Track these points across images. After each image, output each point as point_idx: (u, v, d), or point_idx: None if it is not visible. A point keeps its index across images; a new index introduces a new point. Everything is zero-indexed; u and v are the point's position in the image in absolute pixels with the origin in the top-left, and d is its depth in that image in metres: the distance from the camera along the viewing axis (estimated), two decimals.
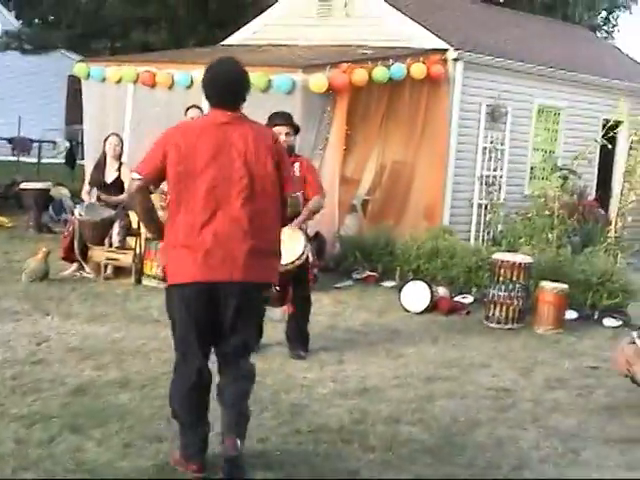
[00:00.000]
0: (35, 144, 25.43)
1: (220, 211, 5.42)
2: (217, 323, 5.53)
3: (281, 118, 8.59)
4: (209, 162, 5.47)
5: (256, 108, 12.95)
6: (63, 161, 23.96)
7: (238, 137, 5.56)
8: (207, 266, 5.38)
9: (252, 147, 5.55)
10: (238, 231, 5.43)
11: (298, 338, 8.65)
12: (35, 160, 23.93)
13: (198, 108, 12.50)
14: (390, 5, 15.80)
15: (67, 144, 24.86)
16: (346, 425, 6.70)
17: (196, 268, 5.39)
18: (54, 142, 26.86)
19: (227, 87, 5.68)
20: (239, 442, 5.44)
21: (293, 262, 8.16)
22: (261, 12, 17.92)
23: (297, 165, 8.44)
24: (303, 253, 8.28)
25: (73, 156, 23.44)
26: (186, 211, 5.46)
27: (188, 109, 12.30)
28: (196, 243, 5.39)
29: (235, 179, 5.47)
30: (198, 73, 13.80)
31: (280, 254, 5.89)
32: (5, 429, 6.06)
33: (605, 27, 37.02)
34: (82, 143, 19.67)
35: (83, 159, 18.24)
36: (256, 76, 13.02)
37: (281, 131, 8.35)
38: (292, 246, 8.19)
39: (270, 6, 17.97)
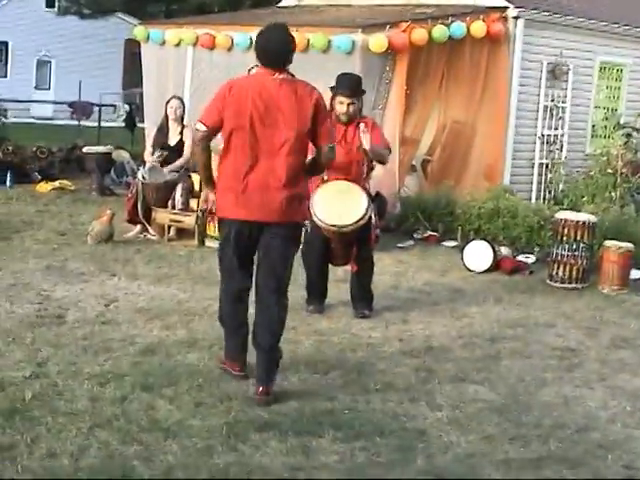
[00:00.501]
0: (95, 108, 25.58)
1: (263, 161, 6.22)
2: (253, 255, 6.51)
3: (346, 88, 8.59)
4: (257, 117, 6.18)
5: (316, 68, 13.13)
6: (123, 125, 24.07)
7: (284, 95, 6.26)
8: (246, 207, 6.24)
9: (295, 105, 6.24)
10: (276, 181, 6.22)
11: (362, 297, 8.70)
12: (95, 124, 24.08)
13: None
14: None
15: (127, 107, 24.96)
16: (413, 384, 6.74)
17: (238, 208, 6.28)
18: (114, 106, 26.99)
19: (275, 51, 6.43)
20: (269, 387, 6.22)
21: (357, 222, 8.19)
22: None
23: (362, 125, 8.41)
24: (366, 213, 8.28)
25: (133, 119, 23.55)
26: (234, 158, 6.28)
27: (250, 70, 12.31)
28: (239, 187, 6.24)
29: (279, 134, 6.20)
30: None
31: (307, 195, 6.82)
32: (80, 387, 6.17)
33: None
34: (141, 106, 19.74)
35: (142, 122, 18.34)
36: (315, 37, 13.04)
37: (343, 101, 8.47)
38: (355, 206, 8.23)
39: None
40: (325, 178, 8.26)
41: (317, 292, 8.74)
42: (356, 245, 8.57)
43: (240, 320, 6.63)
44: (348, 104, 8.47)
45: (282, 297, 6.46)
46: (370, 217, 8.48)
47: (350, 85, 8.62)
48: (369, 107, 12.98)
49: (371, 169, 8.82)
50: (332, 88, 8.51)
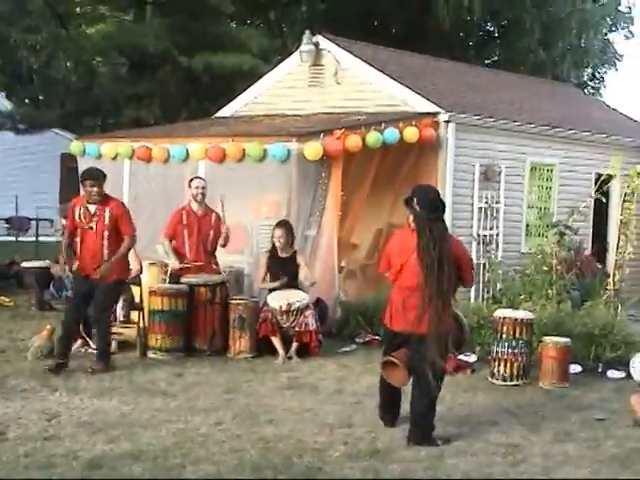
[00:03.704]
0: (32, 222, 25.51)
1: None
2: None
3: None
4: None
5: (252, 177, 13.28)
6: (61, 239, 24.01)
7: None
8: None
9: None
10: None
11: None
12: (33, 239, 24.01)
13: (200, 178, 12.71)
14: (380, 71, 16.03)
15: (64, 221, 24.92)
16: None
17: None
18: (51, 220, 26.95)
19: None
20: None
21: None
22: (252, 84, 18.13)
23: None
24: None
25: None
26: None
27: (191, 180, 12.50)
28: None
29: None
30: (193, 146, 14.08)
31: None
32: None
33: (592, 83, 37.50)
34: None
35: None
36: (251, 146, 13.25)
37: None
38: None
39: (260, 77, 18.21)
40: None
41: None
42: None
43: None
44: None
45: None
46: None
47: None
48: (306, 215, 13.20)
49: None
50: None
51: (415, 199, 8.19)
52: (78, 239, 10.43)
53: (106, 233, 10.43)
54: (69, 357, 10.57)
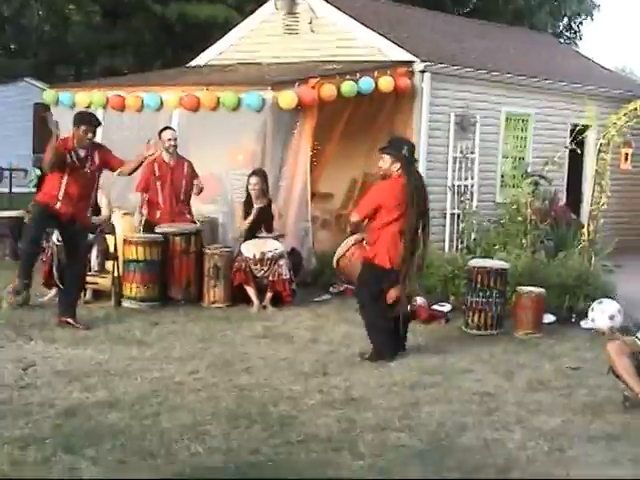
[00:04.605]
0: (6, 173, 25.34)
1: None
2: None
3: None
4: None
5: (227, 125, 13.20)
6: (34, 190, 23.87)
7: None
8: None
9: None
10: None
11: None
12: (6, 189, 23.86)
13: (171, 129, 12.64)
14: (355, 20, 15.92)
15: (38, 172, 24.77)
16: (335, 434, 6.79)
17: None
18: (25, 170, 26.80)
19: None
20: None
21: None
22: (227, 32, 18.00)
23: None
24: None
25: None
26: None
27: (162, 131, 12.41)
28: None
29: None
30: (167, 95, 13.98)
31: None
32: (0, 451, 6.11)
33: (567, 34, 37.44)
34: None
35: None
36: (225, 95, 13.17)
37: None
38: None
39: (235, 26, 18.08)
40: None
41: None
42: None
43: None
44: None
45: None
46: None
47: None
48: (279, 164, 13.17)
49: None
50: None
51: (405, 147, 9.28)
52: (64, 181, 10.22)
53: (97, 174, 10.41)
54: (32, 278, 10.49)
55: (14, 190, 23.70)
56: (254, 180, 12.02)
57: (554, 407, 7.76)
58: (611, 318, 8.08)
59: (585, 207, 16.32)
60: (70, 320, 10.18)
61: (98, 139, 14.40)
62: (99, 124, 10.54)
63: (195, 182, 12.15)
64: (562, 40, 34.27)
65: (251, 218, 11.90)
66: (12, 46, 32.97)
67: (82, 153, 10.21)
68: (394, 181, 9.15)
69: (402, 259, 9.10)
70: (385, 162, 9.21)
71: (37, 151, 36.77)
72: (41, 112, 21.61)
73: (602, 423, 7.36)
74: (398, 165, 9.13)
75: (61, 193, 10.16)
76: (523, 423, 7.26)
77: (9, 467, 5.83)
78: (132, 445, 6.33)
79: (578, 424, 7.32)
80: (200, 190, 12.22)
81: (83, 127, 10.14)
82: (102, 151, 10.51)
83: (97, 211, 11.74)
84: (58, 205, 10.18)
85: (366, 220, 9.38)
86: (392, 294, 9.17)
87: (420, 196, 9.19)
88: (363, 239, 9.68)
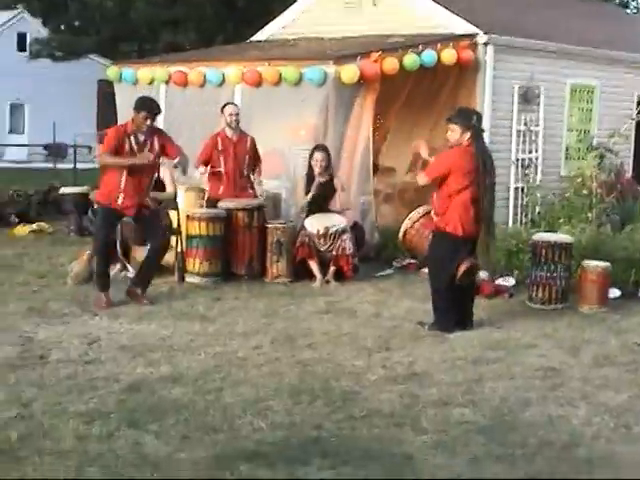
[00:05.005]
0: (70, 149, 25.60)
1: None
2: None
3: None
4: None
5: (289, 100, 13.20)
6: (98, 165, 24.10)
7: None
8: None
9: None
10: None
11: None
12: (71, 165, 24.10)
13: (233, 104, 12.65)
14: None
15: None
16: (397, 409, 6.77)
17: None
18: (89, 147, 27.06)
19: None
20: None
21: None
22: (288, 6, 17.95)
23: None
24: None
25: None
26: None
27: (224, 107, 12.44)
28: None
29: None
30: (229, 70, 13.98)
31: None
32: (65, 426, 6.17)
33: (634, 3, 36.89)
34: None
35: None
36: (287, 70, 13.15)
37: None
38: None
39: (297, 0, 18.03)
40: None
41: None
42: None
43: None
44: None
45: None
46: None
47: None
48: (341, 138, 13.13)
49: None
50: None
51: (475, 116, 9.36)
52: (124, 171, 10.24)
53: (157, 161, 10.45)
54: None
55: (78, 166, 23.91)
56: (320, 156, 11.98)
57: (620, 383, 7.66)
58: None
59: None
60: (139, 292, 10.27)
61: (161, 115, 14.58)
62: (160, 111, 10.56)
63: (257, 170, 12.28)
64: (629, 11, 33.74)
65: (312, 193, 11.87)
66: (76, 23, 33.16)
67: (142, 137, 10.24)
68: (465, 149, 9.15)
69: (474, 227, 9.19)
70: (455, 132, 9.18)
71: (101, 127, 37.19)
72: (105, 88, 21.77)
73: None
74: (468, 134, 9.13)
75: (122, 184, 10.18)
76: (588, 399, 7.18)
77: (74, 441, 5.89)
78: (195, 420, 6.36)
79: None
80: (260, 173, 12.32)
81: (143, 113, 10.17)
82: (162, 136, 10.54)
83: (161, 187, 11.79)
84: (120, 200, 10.20)
85: (433, 186, 9.48)
86: (465, 263, 9.16)
87: (489, 167, 9.25)
88: (430, 211, 9.63)
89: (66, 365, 7.66)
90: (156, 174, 10.83)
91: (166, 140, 10.53)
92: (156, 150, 10.33)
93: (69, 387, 7.06)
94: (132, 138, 10.18)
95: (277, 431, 6.21)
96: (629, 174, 16.88)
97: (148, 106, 10.31)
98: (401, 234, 12.16)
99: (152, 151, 10.28)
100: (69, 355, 8.00)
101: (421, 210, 11.93)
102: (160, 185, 11.78)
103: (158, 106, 10.59)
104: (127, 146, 10.14)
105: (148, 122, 10.17)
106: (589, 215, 12.93)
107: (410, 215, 12.13)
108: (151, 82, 15.32)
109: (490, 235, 9.42)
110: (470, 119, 9.25)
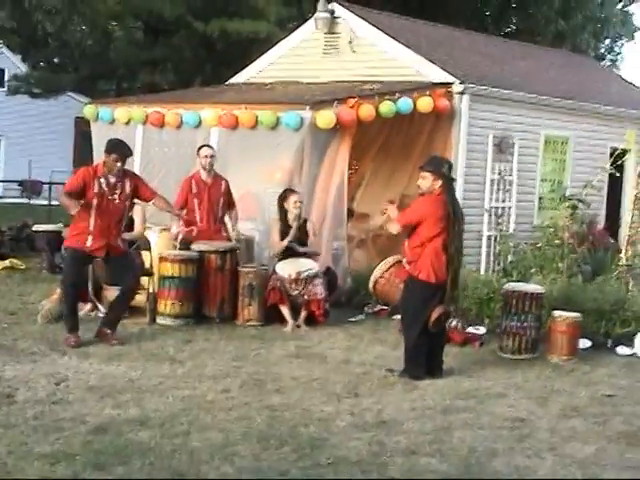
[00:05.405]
0: (45, 186, 25.57)
1: None
2: None
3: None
4: None
5: (265, 144, 13.24)
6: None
7: None
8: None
9: None
10: None
11: None
12: (46, 202, 24.05)
13: (209, 147, 12.68)
14: (395, 40, 15.92)
15: None
16: (365, 457, 6.75)
17: None
18: (65, 184, 27.03)
19: None
20: None
21: None
22: (267, 50, 18.06)
23: None
24: None
25: None
26: None
27: (200, 149, 12.47)
28: None
29: None
30: (206, 112, 14.02)
31: None
32: (30, 467, 6.11)
33: (610, 56, 37.29)
34: None
35: None
36: (264, 114, 13.19)
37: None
38: None
39: (275, 44, 18.13)
40: None
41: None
42: None
43: None
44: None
45: None
46: None
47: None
48: (316, 183, 13.17)
49: None
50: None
51: (446, 165, 9.51)
52: (92, 213, 10.24)
53: (127, 203, 10.42)
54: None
55: (53, 203, 23.86)
56: (297, 197, 12.02)
57: (588, 435, 7.67)
58: None
59: (623, 231, 16.17)
60: (109, 332, 10.21)
61: (137, 155, 14.60)
62: (131, 154, 10.61)
63: (232, 215, 12.30)
64: (603, 62, 34.13)
65: (289, 238, 11.88)
66: (55, 60, 33.21)
67: (112, 180, 10.23)
68: (436, 197, 9.25)
69: (445, 274, 9.25)
70: (426, 180, 9.27)
71: (77, 165, 37.14)
72: (82, 126, 21.77)
73: (637, 452, 7.26)
74: (440, 182, 9.25)
75: (91, 226, 10.15)
76: (555, 450, 7.18)
77: None
78: (162, 464, 6.32)
79: (612, 453, 7.22)
80: (236, 219, 12.35)
81: (114, 155, 10.17)
82: (134, 179, 10.54)
83: (131, 227, 11.78)
84: (89, 242, 10.16)
85: (404, 234, 9.54)
86: (437, 310, 9.23)
87: (458, 214, 9.35)
88: (401, 260, 9.70)
89: (33, 405, 7.60)
90: (128, 215, 10.80)
91: (139, 182, 10.53)
92: (127, 193, 10.31)
93: (35, 427, 7.00)
94: (102, 180, 10.15)
95: (243, 476, 6.18)
96: (601, 225, 17.00)
97: (119, 149, 10.31)
98: (371, 284, 12.21)
99: (123, 194, 10.25)
100: (36, 395, 7.94)
101: (391, 260, 12.00)
102: (130, 225, 11.77)
103: (129, 149, 10.60)
104: (97, 188, 10.09)
105: (119, 164, 10.16)
106: (560, 265, 12.98)
107: (379, 265, 12.20)
108: (128, 122, 15.35)
109: (454, 285, 9.41)
110: (441, 167, 9.38)
